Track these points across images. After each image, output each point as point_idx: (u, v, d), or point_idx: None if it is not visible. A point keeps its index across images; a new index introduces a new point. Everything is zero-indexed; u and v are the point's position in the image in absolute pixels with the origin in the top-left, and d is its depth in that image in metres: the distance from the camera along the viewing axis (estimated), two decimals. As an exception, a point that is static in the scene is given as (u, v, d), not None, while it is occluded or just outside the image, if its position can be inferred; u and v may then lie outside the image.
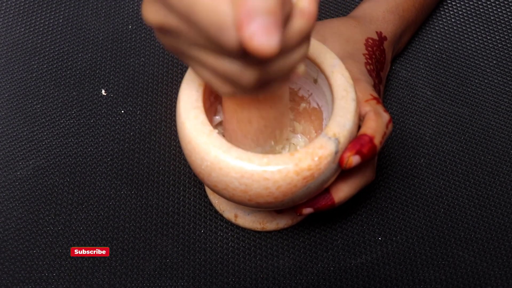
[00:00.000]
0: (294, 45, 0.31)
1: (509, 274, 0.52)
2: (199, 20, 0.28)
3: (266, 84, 0.32)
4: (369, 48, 0.53)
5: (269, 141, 0.43)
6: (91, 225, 0.53)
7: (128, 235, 0.53)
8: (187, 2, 0.28)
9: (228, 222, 0.54)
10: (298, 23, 0.30)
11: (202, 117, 0.40)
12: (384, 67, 0.55)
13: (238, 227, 0.54)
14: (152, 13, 0.31)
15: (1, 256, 0.52)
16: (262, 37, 0.25)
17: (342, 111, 0.40)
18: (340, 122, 0.40)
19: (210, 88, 0.44)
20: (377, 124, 0.43)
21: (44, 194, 0.55)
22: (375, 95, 0.46)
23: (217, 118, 0.48)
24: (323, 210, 0.46)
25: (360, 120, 0.44)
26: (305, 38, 0.31)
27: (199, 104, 0.40)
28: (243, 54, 0.29)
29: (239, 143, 0.43)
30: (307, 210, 0.46)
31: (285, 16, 0.28)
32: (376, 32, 0.55)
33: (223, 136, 0.46)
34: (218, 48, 0.29)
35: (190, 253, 0.52)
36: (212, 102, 0.46)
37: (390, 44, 0.56)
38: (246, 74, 0.31)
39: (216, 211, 0.54)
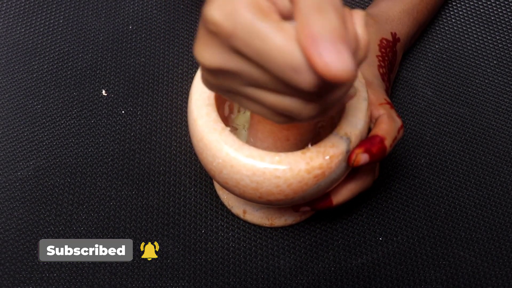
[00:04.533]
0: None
1: (510, 274, 0.52)
2: (272, 63, 0.27)
3: (324, 113, 0.32)
4: (383, 50, 0.52)
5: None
6: (92, 226, 0.53)
7: (128, 235, 0.53)
8: (259, 46, 0.27)
9: (229, 222, 0.54)
10: (359, 55, 0.29)
11: (214, 114, 0.40)
12: (394, 69, 0.54)
13: (239, 227, 0.54)
14: (211, 57, 0.30)
15: (2, 257, 0.52)
16: (333, 58, 0.24)
17: (353, 110, 0.40)
18: (352, 121, 0.40)
19: None
20: (389, 127, 0.43)
21: (45, 195, 0.55)
22: (389, 100, 0.46)
23: (232, 116, 0.48)
24: (321, 210, 0.47)
25: (372, 122, 0.44)
26: (360, 65, 0.31)
27: (211, 101, 0.41)
28: (318, 94, 0.28)
29: None
30: (304, 209, 0.47)
31: (354, 49, 0.28)
32: (391, 33, 0.54)
33: (234, 133, 0.46)
34: (286, 87, 0.29)
35: (191, 254, 0.52)
36: (224, 98, 0.46)
37: (402, 46, 0.56)
38: (307, 109, 0.30)
39: (217, 211, 0.54)
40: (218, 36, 0.28)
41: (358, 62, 0.29)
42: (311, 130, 0.42)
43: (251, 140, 0.43)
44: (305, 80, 0.27)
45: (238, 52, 0.28)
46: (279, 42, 0.26)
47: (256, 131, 0.42)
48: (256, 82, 0.30)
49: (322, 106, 0.31)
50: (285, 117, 0.32)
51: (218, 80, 0.32)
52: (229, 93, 0.33)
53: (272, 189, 0.39)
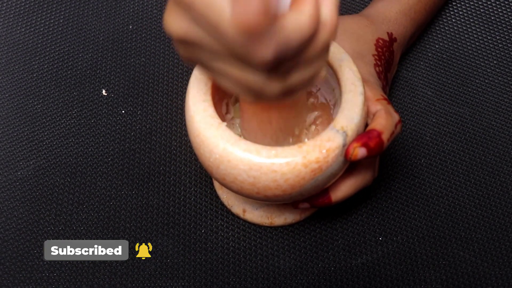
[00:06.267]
0: (317, 56, 0.31)
1: (509, 274, 0.52)
2: (226, 34, 0.27)
3: (289, 93, 0.32)
4: (379, 49, 0.52)
5: (288, 138, 0.44)
6: (92, 225, 0.53)
7: (128, 235, 0.53)
8: (212, 17, 0.27)
9: (229, 221, 0.54)
10: (322, 36, 0.30)
11: (211, 110, 0.40)
12: (391, 69, 0.55)
13: (238, 227, 0.54)
14: (175, 24, 0.30)
15: (1, 256, 0.52)
16: (247, 7, 0.25)
17: (350, 104, 0.40)
18: (348, 115, 0.40)
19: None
20: (387, 122, 0.43)
21: (45, 194, 0.55)
22: (385, 96, 0.46)
23: (228, 116, 0.48)
24: (320, 206, 0.47)
25: (369, 118, 0.44)
26: (327, 48, 0.31)
27: (208, 97, 0.41)
28: (271, 68, 0.28)
29: (259, 141, 0.43)
30: (304, 205, 0.47)
31: (313, 31, 0.29)
32: (387, 33, 0.54)
33: (231, 129, 0.46)
34: (243, 61, 0.29)
35: (190, 253, 0.52)
36: (221, 96, 0.46)
37: (399, 46, 0.56)
38: (270, 86, 0.30)
39: (216, 211, 0.54)
40: (181, 4, 0.29)
41: (321, 44, 0.30)
42: (294, 116, 0.42)
43: (244, 126, 0.44)
44: (258, 52, 0.27)
45: (197, 21, 0.29)
46: (229, 14, 0.26)
47: (243, 112, 0.42)
48: (217, 54, 0.30)
49: (285, 85, 0.31)
50: (251, 94, 0.32)
51: (188, 51, 0.32)
52: (203, 67, 0.33)
53: (270, 183, 0.39)
